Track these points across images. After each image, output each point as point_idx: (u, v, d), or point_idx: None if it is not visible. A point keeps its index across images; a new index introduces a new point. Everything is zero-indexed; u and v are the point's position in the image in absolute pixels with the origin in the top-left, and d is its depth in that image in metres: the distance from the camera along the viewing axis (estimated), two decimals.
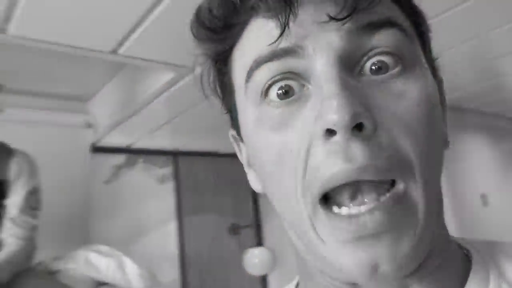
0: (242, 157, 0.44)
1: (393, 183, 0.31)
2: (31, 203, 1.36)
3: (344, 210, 0.31)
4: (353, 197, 0.31)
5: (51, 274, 1.34)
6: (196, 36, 0.38)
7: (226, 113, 0.43)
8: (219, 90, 0.42)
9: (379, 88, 0.32)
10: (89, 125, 2.21)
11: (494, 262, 0.37)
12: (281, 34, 0.33)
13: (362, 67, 0.33)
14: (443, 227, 0.38)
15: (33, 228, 1.36)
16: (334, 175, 0.30)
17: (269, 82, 0.34)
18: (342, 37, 0.32)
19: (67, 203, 1.95)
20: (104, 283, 1.36)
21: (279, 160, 0.33)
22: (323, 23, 0.32)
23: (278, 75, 0.33)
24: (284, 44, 0.33)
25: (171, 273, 2.49)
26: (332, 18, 0.32)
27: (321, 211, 0.31)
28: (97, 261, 1.36)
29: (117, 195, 2.37)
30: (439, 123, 0.35)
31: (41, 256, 1.42)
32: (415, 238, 0.30)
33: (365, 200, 0.30)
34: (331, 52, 0.32)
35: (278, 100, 0.33)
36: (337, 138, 0.30)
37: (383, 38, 0.33)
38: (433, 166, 0.33)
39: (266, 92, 0.34)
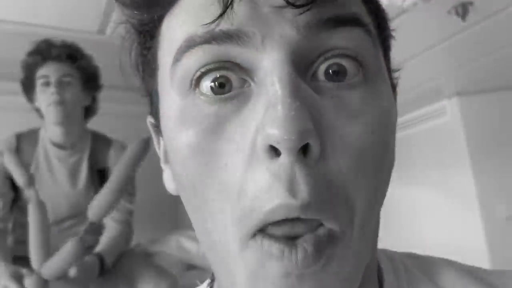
0: (160, 151, 0.37)
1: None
2: (128, 189, 1.47)
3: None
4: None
5: (148, 256, 1.44)
6: (119, 0, 0.31)
7: (146, 96, 0.36)
8: (140, 68, 0.35)
9: (332, 100, 0.26)
10: None
11: (408, 286, 0.34)
12: (222, 14, 0.26)
13: (317, 70, 0.27)
14: (373, 259, 0.33)
15: (130, 213, 1.47)
16: (276, 209, 0.24)
17: (202, 70, 0.27)
18: (299, 31, 0.26)
19: (158, 190, 2.08)
20: (195, 267, 1.44)
21: (206, 174, 0.27)
22: (278, 9, 0.26)
23: (214, 63, 0.27)
24: (225, 25, 0.26)
25: None
26: (289, 4, 0.25)
27: (250, 244, 0.25)
28: (188, 245, 1.44)
29: None
30: (392, 153, 0.29)
31: (137, 239, 1.53)
32: (340, 286, 0.26)
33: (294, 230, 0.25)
34: (283, 46, 0.26)
35: (212, 94, 0.27)
36: (282, 160, 0.24)
37: (346, 37, 0.27)
38: (375, 207, 0.28)
39: (197, 81, 0.27)
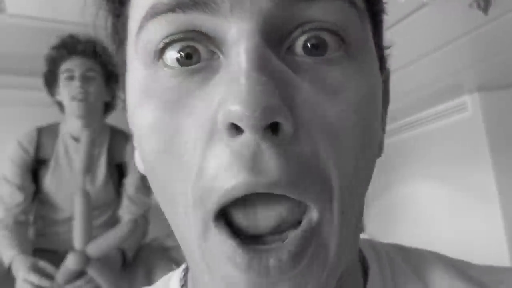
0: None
1: (304, 207, 0.23)
2: (146, 182, 1.48)
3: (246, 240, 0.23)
4: (244, 206, 0.23)
5: (165, 250, 1.46)
6: None
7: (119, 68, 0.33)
8: (113, 38, 0.33)
9: (310, 75, 0.24)
10: None
11: (392, 276, 0.32)
12: None
13: (294, 42, 0.25)
14: (356, 249, 0.31)
15: (147, 206, 1.49)
16: (235, 188, 0.22)
17: (165, 40, 0.25)
18: None
19: None
20: None
21: (167, 152, 0.25)
22: None
23: (179, 33, 0.25)
24: None
25: None
26: None
27: (214, 231, 0.23)
28: None
29: None
30: (377, 132, 0.27)
31: (154, 233, 1.55)
32: (318, 285, 0.23)
33: (259, 217, 0.23)
34: (255, 14, 0.23)
35: (178, 66, 0.25)
36: (244, 137, 0.22)
37: (326, 9, 0.24)
38: (356, 190, 0.26)
39: (160, 53, 0.25)
